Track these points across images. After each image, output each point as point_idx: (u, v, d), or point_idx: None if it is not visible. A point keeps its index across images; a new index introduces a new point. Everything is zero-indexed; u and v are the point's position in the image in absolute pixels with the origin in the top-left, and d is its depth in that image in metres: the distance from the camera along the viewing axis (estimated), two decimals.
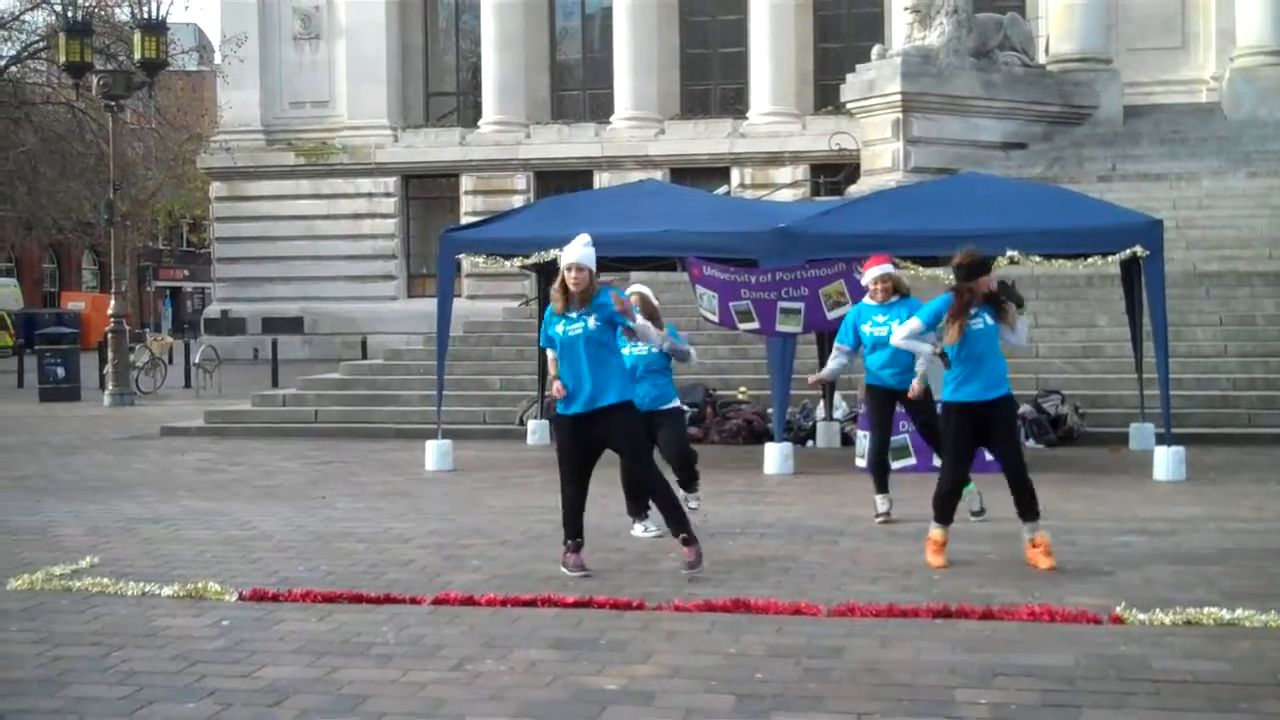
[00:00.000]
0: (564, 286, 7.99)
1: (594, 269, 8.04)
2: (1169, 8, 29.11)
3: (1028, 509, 8.22)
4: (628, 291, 9.44)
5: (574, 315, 7.97)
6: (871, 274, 10.03)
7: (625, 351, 9.22)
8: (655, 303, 9.57)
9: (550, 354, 8.26)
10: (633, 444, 8.08)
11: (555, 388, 8.05)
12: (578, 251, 8.01)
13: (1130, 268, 13.33)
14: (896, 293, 10.01)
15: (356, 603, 7.33)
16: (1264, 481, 11.94)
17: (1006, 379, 8.34)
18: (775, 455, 12.90)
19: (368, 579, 7.97)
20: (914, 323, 8.73)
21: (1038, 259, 12.72)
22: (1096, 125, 25.50)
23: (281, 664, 6.14)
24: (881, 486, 10.04)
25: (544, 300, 15.21)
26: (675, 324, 10.87)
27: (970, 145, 24.31)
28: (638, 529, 9.35)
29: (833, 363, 10.38)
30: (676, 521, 8.01)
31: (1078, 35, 26.36)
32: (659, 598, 7.29)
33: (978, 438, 8.36)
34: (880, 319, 9.91)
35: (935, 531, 8.28)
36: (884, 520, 9.85)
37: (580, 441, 8.05)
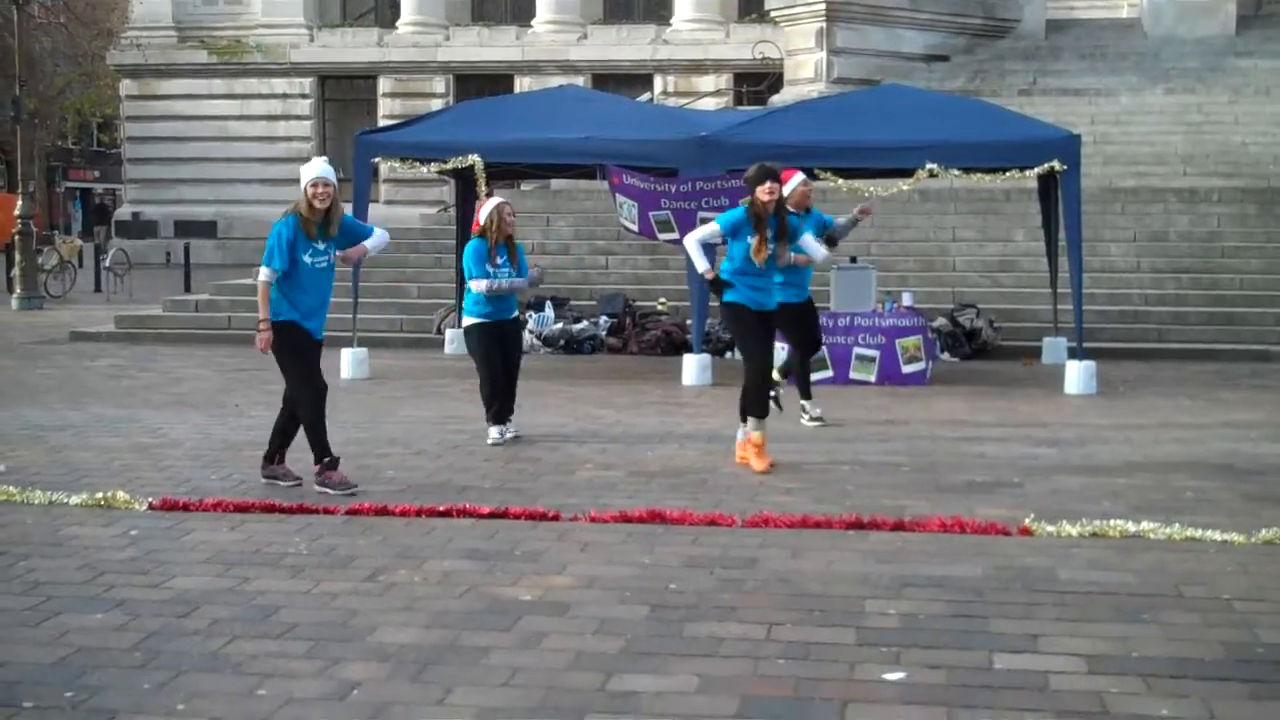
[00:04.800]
0: (311, 207, 7.75)
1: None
2: None
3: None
4: (488, 205, 9.43)
5: (321, 246, 7.87)
6: (793, 182, 9.97)
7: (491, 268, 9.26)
8: (511, 218, 9.51)
9: None
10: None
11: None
12: (319, 167, 7.83)
13: (1047, 182, 13.40)
14: (804, 206, 10.10)
15: (269, 513, 7.26)
16: (1172, 396, 12.15)
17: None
18: (693, 366, 12.92)
19: (281, 488, 7.89)
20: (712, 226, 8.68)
21: (957, 172, 12.79)
22: (1019, 39, 25.54)
23: (192, 574, 6.06)
24: (805, 393, 10.24)
25: (463, 208, 15.10)
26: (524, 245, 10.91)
27: (893, 56, 24.28)
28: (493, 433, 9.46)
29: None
30: (314, 445, 7.93)
31: None
32: (574, 509, 7.29)
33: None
34: None
35: (756, 433, 8.50)
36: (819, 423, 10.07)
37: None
